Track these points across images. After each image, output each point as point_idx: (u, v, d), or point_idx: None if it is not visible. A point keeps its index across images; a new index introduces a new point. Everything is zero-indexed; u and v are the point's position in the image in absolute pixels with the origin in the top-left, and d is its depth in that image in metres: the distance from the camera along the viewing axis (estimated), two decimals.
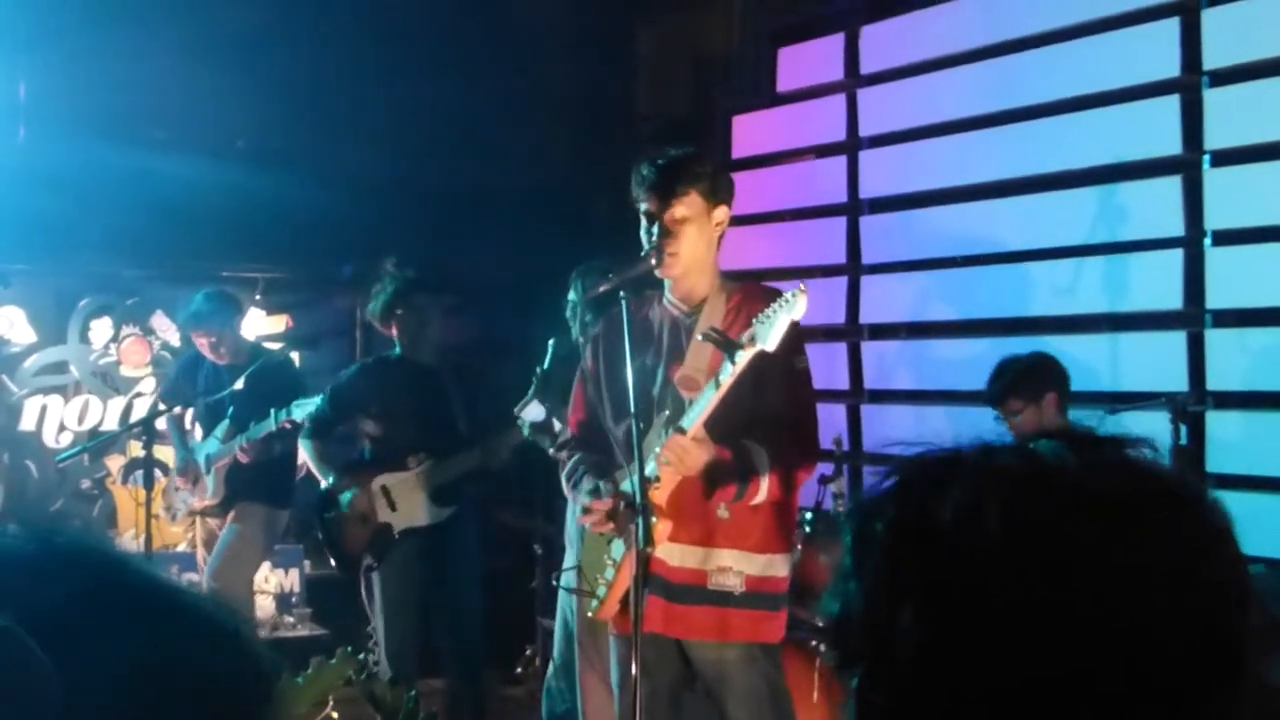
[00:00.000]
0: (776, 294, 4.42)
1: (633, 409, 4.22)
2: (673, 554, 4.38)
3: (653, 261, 4.38)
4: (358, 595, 7.62)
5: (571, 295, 6.08)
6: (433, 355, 6.76)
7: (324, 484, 6.73)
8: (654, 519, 4.25)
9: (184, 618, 1.09)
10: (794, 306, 4.05)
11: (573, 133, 9.58)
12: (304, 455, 6.90)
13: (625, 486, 4.24)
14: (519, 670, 8.33)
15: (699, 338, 4.36)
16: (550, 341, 6.19)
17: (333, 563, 6.96)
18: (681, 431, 4.19)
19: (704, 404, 4.19)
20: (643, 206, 4.45)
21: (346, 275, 9.26)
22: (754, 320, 4.10)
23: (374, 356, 7.06)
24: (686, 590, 4.38)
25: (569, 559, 5.86)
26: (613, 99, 9.85)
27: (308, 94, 8.88)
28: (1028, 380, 5.55)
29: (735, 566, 4.38)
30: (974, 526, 1.06)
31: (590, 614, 4.66)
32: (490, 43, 9.22)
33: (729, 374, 4.11)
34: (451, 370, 6.79)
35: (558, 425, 5.83)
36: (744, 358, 4.07)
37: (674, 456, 4.19)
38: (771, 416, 4.33)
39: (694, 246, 4.41)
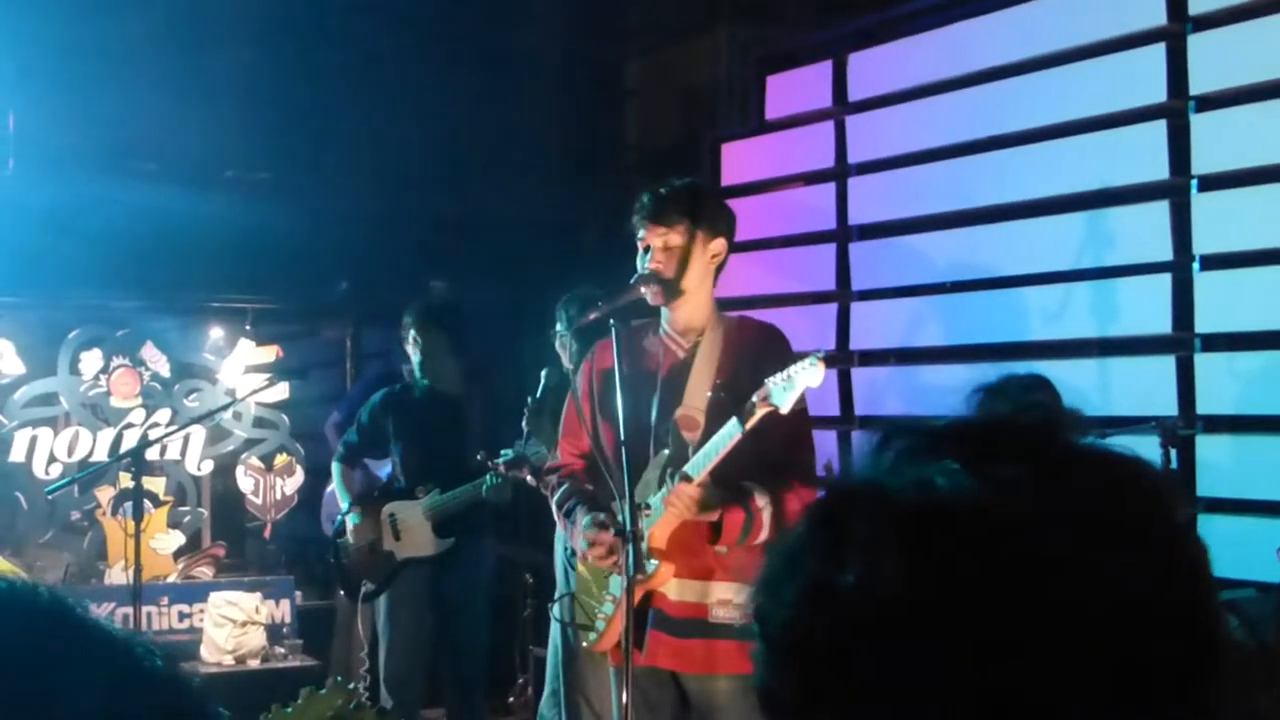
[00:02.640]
0: (775, 336, 4.47)
1: (623, 437, 4.23)
2: (671, 588, 4.38)
3: (643, 289, 4.39)
4: (351, 625, 7.63)
5: (559, 326, 6.09)
6: (455, 384, 6.77)
7: (341, 509, 6.79)
8: (656, 562, 4.27)
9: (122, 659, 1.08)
10: (813, 376, 4.09)
11: (562, 162, 9.61)
12: (333, 478, 6.98)
13: (620, 517, 4.25)
14: (511, 700, 8.31)
15: (708, 394, 4.39)
16: (543, 372, 6.20)
17: (340, 590, 6.97)
18: (688, 479, 4.20)
19: (711, 454, 4.20)
20: (639, 234, 4.47)
21: (341, 289, 9.27)
22: (768, 380, 4.12)
23: (400, 384, 7.10)
24: (687, 624, 4.38)
25: (560, 588, 5.86)
26: (602, 128, 9.87)
27: (296, 125, 8.90)
28: (986, 403, 5.60)
29: (735, 599, 4.37)
30: (877, 590, 0.98)
31: (587, 645, 4.66)
32: (480, 73, 9.24)
33: (739, 432, 4.13)
34: (480, 399, 6.81)
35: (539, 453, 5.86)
36: (756, 417, 4.11)
37: (681, 504, 4.21)
38: (772, 454, 4.33)
39: (689, 277, 4.42)
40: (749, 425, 4.12)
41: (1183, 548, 1.03)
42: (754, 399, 4.12)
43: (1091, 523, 0.99)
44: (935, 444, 1.04)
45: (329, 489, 8.70)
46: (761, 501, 4.28)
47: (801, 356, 4.17)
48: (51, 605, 1.08)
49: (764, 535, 4.31)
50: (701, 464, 4.23)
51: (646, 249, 4.44)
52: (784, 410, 4.09)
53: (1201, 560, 1.04)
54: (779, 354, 4.36)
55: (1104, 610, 0.96)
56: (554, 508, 4.73)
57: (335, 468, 6.94)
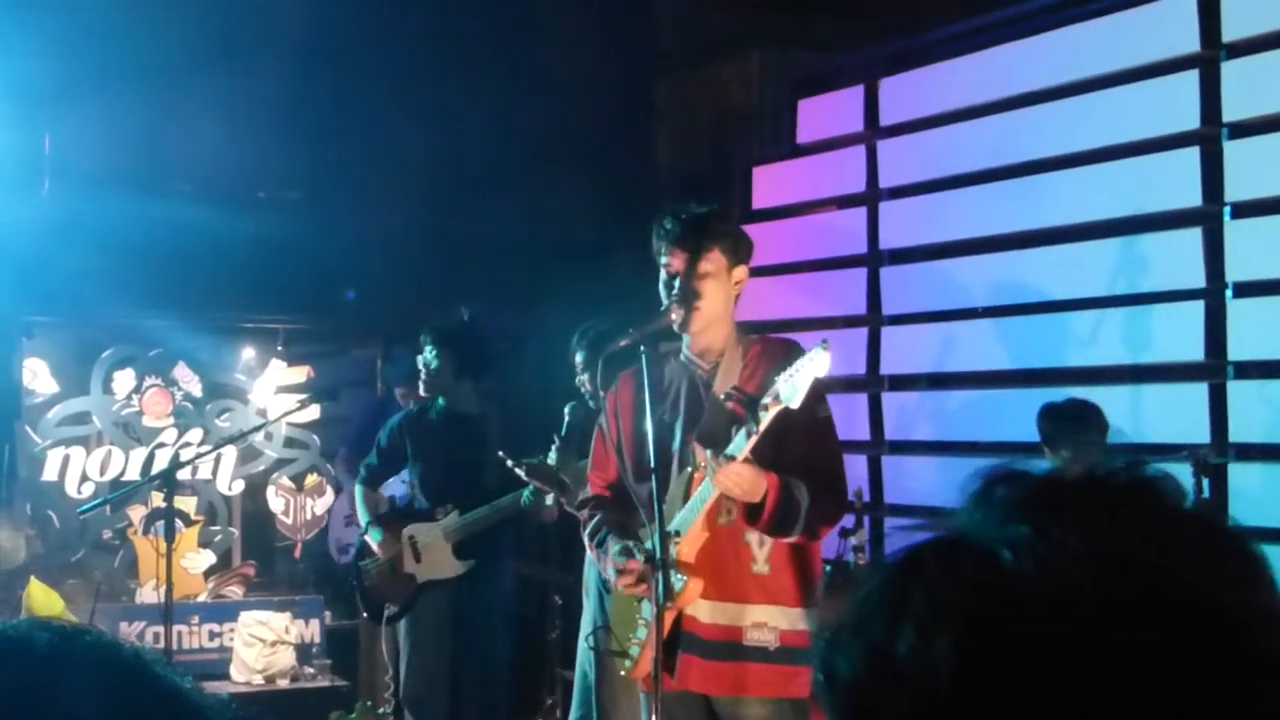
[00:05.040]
0: (793, 346, 4.44)
1: (653, 465, 4.22)
2: (704, 611, 4.35)
3: (673, 317, 4.39)
4: (378, 646, 7.62)
5: (577, 358, 6.08)
6: (475, 405, 6.78)
7: (362, 526, 6.81)
8: (685, 579, 4.25)
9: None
10: (819, 364, 4.04)
11: (593, 184, 9.62)
12: (355, 502, 7.01)
13: (649, 545, 4.23)
14: None
15: (720, 396, 4.36)
16: (566, 408, 6.18)
17: (363, 613, 6.98)
18: (731, 458, 4.15)
19: (745, 438, 4.16)
20: (664, 260, 4.46)
21: (349, 298, 9.30)
22: (777, 378, 4.10)
23: (418, 405, 7.12)
24: (721, 647, 4.35)
25: (587, 612, 5.85)
26: (633, 150, 9.89)
27: (328, 146, 8.95)
28: (1040, 429, 5.71)
29: (770, 622, 4.35)
30: (928, 664, 0.95)
31: (623, 673, 4.64)
32: (511, 95, 9.27)
33: (754, 432, 4.10)
34: (497, 420, 6.80)
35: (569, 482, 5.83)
36: (768, 416, 4.07)
37: (727, 482, 4.15)
38: (798, 466, 4.30)
39: (714, 303, 4.41)
40: (762, 426, 4.09)
41: (1257, 642, 0.96)
42: (765, 399, 4.10)
43: (1155, 613, 0.94)
44: (1023, 500, 1.01)
45: (334, 512, 8.78)
46: (800, 494, 4.24)
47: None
48: (134, 662, 1.08)
49: (798, 531, 4.28)
50: (740, 444, 4.18)
51: (673, 275, 4.43)
52: (794, 406, 4.05)
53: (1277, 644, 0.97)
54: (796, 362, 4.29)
55: (1157, 711, 0.92)
56: (586, 539, 4.72)
57: (358, 490, 6.97)
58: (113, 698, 1.03)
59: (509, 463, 6.12)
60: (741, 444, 4.16)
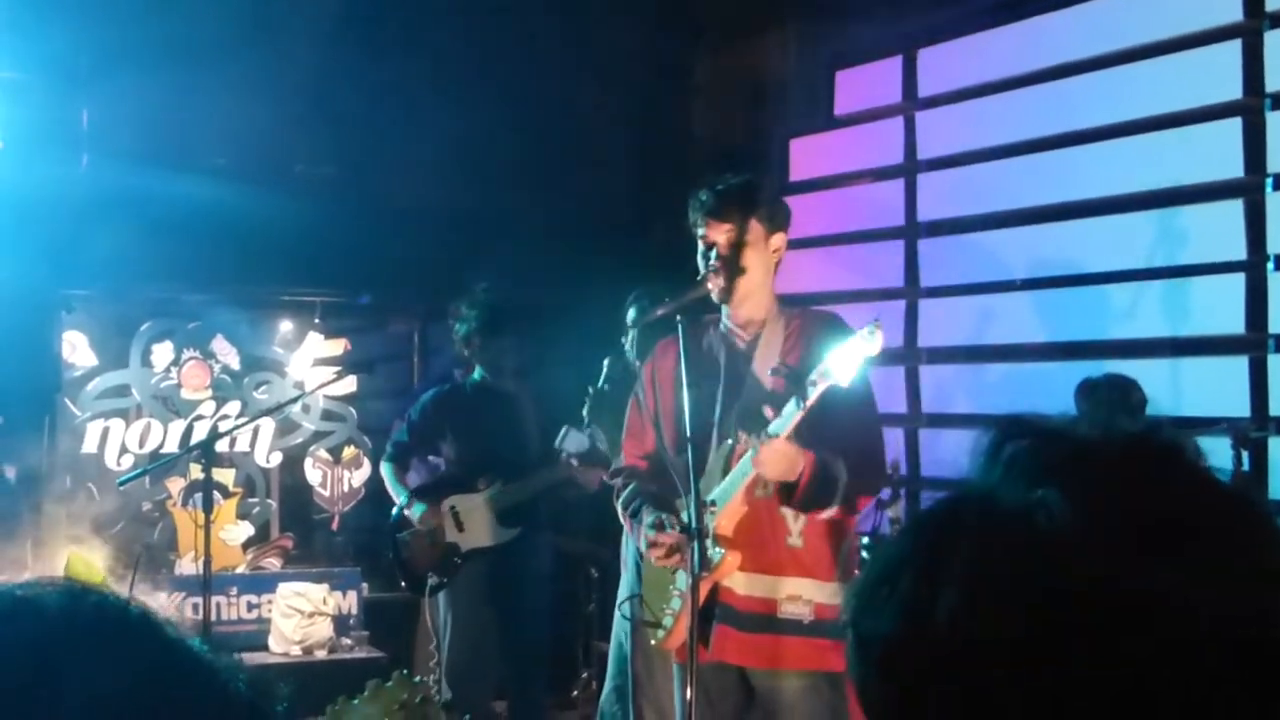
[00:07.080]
0: (834, 319, 4.43)
1: (689, 433, 4.21)
2: (739, 583, 4.35)
3: (710, 287, 4.38)
4: (417, 617, 7.65)
5: (631, 316, 6.08)
6: (512, 380, 6.79)
7: (397, 503, 6.81)
8: (723, 551, 4.24)
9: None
10: (871, 344, 4.04)
11: (629, 158, 9.59)
12: (383, 477, 7.01)
13: (685, 516, 4.23)
14: (574, 693, 8.32)
15: (767, 372, 4.36)
16: (605, 361, 6.19)
17: (402, 583, 7.02)
18: (772, 437, 4.15)
19: (790, 416, 4.15)
20: (700, 232, 4.46)
21: (363, 302, 9.34)
22: (826, 354, 4.08)
23: (451, 382, 7.13)
24: (756, 619, 4.35)
25: (624, 584, 5.85)
26: (670, 123, 9.86)
27: (364, 121, 8.95)
28: (1077, 405, 5.66)
29: (805, 595, 4.34)
30: (967, 626, 0.96)
31: (654, 643, 4.64)
32: (546, 69, 9.25)
33: (799, 410, 4.09)
34: (531, 394, 6.82)
35: (603, 446, 5.83)
36: (815, 392, 4.06)
37: (766, 460, 4.16)
38: (838, 438, 4.29)
39: (753, 273, 4.41)
40: (809, 402, 4.08)
41: None
42: (813, 375, 4.10)
43: (1196, 576, 0.94)
44: (1050, 463, 1.01)
45: None
46: (839, 472, 4.23)
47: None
48: (143, 622, 1.08)
49: (834, 506, 4.28)
50: (784, 423, 4.16)
51: (710, 246, 4.43)
52: (843, 384, 4.05)
53: None
54: (838, 336, 4.28)
55: (1197, 679, 0.92)
56: (619, 509, 4.72)
57: (386, 467, 6.96)
58: (122, 656, 1.03)
59: (564, 455, 6.15)
60: (787, 420, 4.15)
